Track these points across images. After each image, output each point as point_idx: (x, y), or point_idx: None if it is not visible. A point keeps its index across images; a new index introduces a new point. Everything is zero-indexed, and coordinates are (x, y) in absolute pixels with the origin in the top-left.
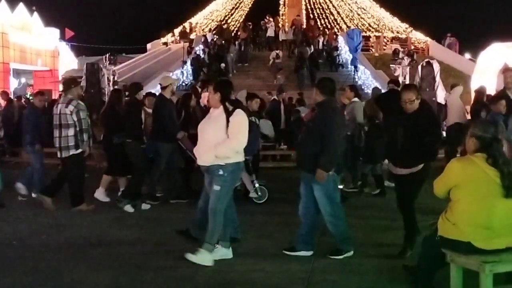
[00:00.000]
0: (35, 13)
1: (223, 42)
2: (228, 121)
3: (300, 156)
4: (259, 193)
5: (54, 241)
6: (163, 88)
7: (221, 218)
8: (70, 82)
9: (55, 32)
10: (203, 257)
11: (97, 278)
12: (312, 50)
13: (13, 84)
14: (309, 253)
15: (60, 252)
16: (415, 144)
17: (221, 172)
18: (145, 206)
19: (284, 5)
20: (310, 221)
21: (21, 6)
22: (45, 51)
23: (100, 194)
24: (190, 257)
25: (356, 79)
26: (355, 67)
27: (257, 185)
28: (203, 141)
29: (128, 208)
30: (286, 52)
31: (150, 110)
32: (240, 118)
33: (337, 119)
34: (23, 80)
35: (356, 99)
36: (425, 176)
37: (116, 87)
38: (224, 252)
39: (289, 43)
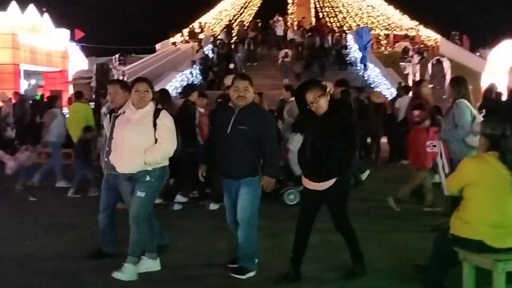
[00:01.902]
0: (45, 14)
1: (231, 41)
2: (155, 124)
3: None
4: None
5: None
6: (227, 87)
7: (145, 227)
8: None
9: (65, 33)
10: (130, 272)
11: None
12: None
13: (24, 85)
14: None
15: None
16: (324, 153)
17: (148, 178)
18: (177, 207)
19: (293, 3)
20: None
21: (31, 7)
22: (55, 52)
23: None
24: (118, 275)
25: (366, 78)
26: (365, 65)
27: None
28: (124, 147)
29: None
30: (295, 51)
31: (203, 110)
32: (169, 121)
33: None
34: (33, 81)
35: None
36: (342, 192)
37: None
38: (150, 264)
39: (297, 45)
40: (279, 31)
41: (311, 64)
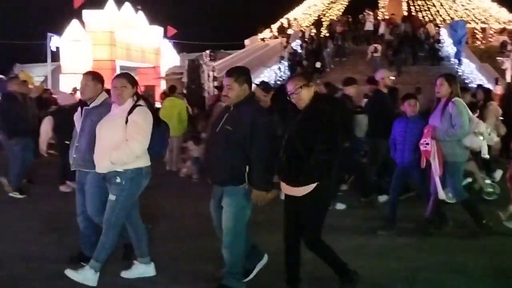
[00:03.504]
0: (140, 12)
1: (320, 36)
2: (127, 121)
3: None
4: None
5: None
6: (376, 81)
7: (116, 232)
8: None
9: (158, 30)
10: (86, 275)
11: None
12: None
13: None
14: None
15: None
16: (298, 155)
17: (118, 180)
18: (340, 206)
19: None
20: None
21: (127, 5)
22: (149, 48)
23: None
24: (71, 274)
25: (460, 73)
26: (459, 60)
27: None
28: (99, 144)
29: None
30: (385, 46)
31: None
32: (140, 117)
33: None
34: None
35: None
36: (319, 201)
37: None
38: (143, 270)
39: (386, 43)
40: (369, 26)
41: (400, 50)
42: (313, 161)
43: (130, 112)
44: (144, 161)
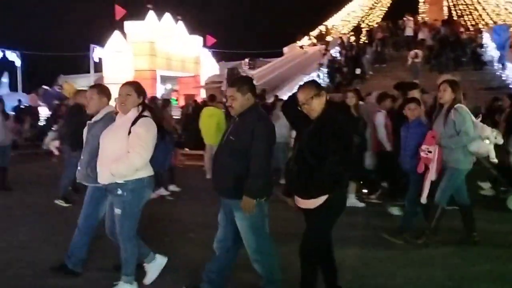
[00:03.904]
0: (180, 22)
1: (359, 43)
2: (130, 132)
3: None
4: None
5: None
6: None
7: (132, 245)
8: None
9: (198, 39)
10: None
11: None
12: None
13: (160, 90)
14: None
15: None
16: (309, 166)
17: (119, 192)
18: (395, 211)
19: (424, 2)
20: (224, 257)
21: (167, 16)
22: (189, 57)
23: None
24: None
25: (504, 78)
26: (503, 65)
27: None
28: (102, 154)
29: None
30: (426, 52)
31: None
32: (143, 129)
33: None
34: (168, 86)
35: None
36: (329, 211)
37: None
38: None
39: (428, 48)
40: (409, 31)
41: (440, 54)
42: (324, 172)
43: (134, 122)
44: (146, 171)
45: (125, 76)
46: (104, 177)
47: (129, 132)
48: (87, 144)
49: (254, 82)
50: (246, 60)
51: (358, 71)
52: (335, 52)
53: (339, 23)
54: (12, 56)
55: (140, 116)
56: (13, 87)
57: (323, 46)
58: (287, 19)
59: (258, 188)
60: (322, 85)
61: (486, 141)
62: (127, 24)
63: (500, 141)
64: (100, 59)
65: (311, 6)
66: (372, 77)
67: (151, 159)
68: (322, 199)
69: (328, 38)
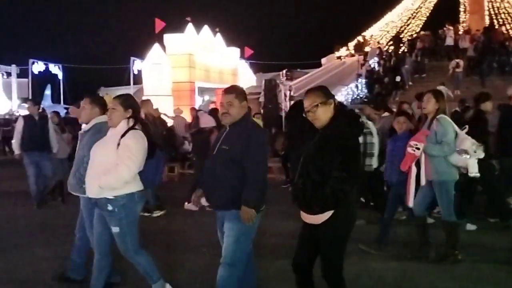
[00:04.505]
0: (218, 34)
1: (398, 53)
2: (119, 144)
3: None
4: None
5: None
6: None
7: (142, 256)
8: None
9: (235, 51)
10: None
11: None
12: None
13: (198, 101)
14: None
15: None
16: (312, 181)
17: (110, 208)
18: (470, 227)
19: (464, 12)
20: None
21: (205, 28)
22: (227, 69)
23: None
24: None
25: None
26: None
27: None
28: (91, 167)
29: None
30: (467, 63)
31: None
32: (132, 141)
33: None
34: (206, 97)
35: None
36: (338, 230)
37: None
38: None
39: (468, 59)
40: (449, 41)
41: (482, 61)
42: (328, 189)
43: (123, 135)
44: (136, 186)
45: (164, 88)
46: (92, 191)
47: (119, 144)
48: (77, 154)
49: (292, 93)
50: (284, 71)
51: (398, 78)
52: (373, 62)
53: (377, 33)
54: (55, 69)
55: (130, 128)
56: (55, 99)
57: (361, 57)
58: (325, 30)
59: (257, 197)
60: (331, 93)
61: (464, 155)
62: (167, 37)
63: (481, 154)
64: (139, 71)
65: (349, 16)
66: (411, 88)
67: (141, 175)
68: (327, 214)
69: (367, 49)
